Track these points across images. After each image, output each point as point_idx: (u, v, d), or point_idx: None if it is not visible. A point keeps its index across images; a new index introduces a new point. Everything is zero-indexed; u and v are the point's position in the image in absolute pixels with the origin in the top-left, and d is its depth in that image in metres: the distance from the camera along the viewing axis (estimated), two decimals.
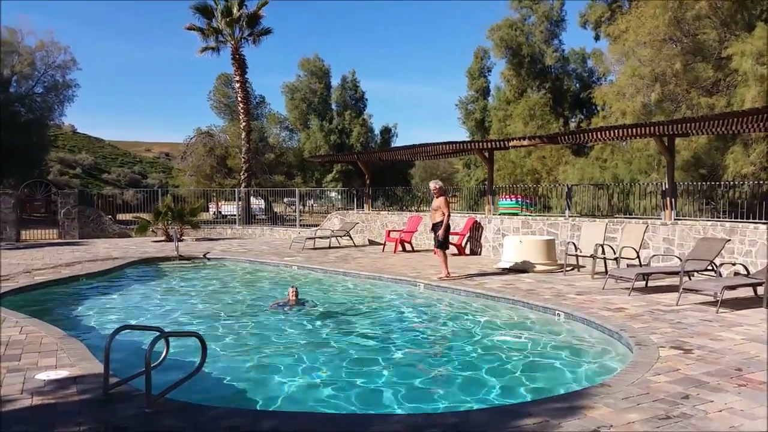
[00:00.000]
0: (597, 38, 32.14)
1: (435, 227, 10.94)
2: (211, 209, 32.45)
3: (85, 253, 15.03)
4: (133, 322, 8.03)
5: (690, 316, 7.36)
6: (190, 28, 26.18)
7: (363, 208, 20.31)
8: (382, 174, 36.73)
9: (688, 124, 11.48)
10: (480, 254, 14.88)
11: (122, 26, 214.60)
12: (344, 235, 17.48)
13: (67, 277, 11.14)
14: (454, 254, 14.65)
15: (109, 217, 22.20)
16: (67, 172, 68.90)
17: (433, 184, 11.21)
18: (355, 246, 17.32)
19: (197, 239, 19.74)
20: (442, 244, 10.84)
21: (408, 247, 15.89)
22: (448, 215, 10.85)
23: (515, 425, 3.85)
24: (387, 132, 48.76)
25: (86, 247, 17.03)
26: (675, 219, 11.84)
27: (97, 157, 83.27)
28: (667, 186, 12.40)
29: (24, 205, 21.18)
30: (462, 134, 46.05)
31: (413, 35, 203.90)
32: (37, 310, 8.25)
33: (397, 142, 48.28)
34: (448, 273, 10.68)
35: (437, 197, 11.00)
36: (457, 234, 15.00)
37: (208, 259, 14.65)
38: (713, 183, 16.01)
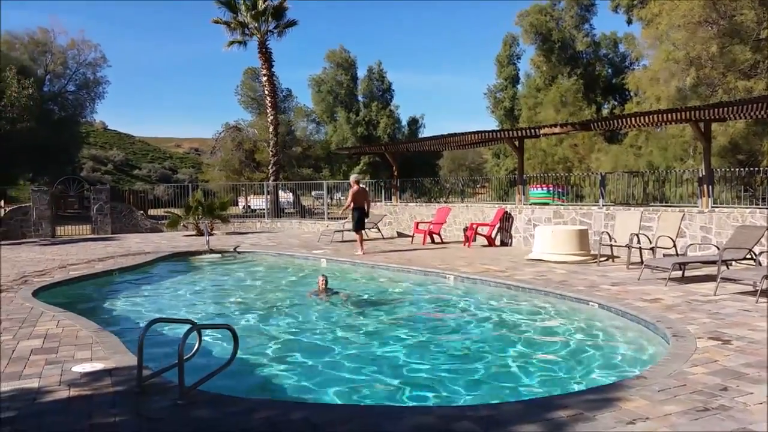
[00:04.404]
0: (629, 22, 31.55)
1: None
2: (240, 203, 32.76)
3: (118, 248, 15.33)
4: (165, 315, 8.14)
5: (728, 306, 7.16)
6: (216, 22, 26.34)
7: (391, 200, 20.28)
8: (410, 165, 36.56)
9: (725, 109, 11.17)
10: (511, 245, 14.72)
11: (150, 22, 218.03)
12: (372, 227, 17.48)
13: (100, 272, 11.35)
14: (483, 245, 14.56)
15: (141, 212, 22.57)
16: (99, 169, 70.38)
17: (351, 178, 13.71)
18: (384, 238, 17.30)
19: (227, 233, 19.97)
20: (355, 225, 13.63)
21: (437, 239, 15.82)
22: (348, 202, 13.48)
23: (549, 417, 3.78)
24: (414, 123, 48.54)
25: (119, 242, 17.36)
26: (712, 207, 11.53)
27: (128, 153, 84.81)
28: (703, 173, 12.08)
29: (58, 201, 21.68)
30: (491, 123, 45.58)
31: (440, 24, 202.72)
32: (72, 304, 8.43)
33: (425, 133, 48.04)
34: (363, 251, 13.29)
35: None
36: (486, 225, 14.88)
37: (239, 252, 14.81)
38: (752, 169, 15.55)
